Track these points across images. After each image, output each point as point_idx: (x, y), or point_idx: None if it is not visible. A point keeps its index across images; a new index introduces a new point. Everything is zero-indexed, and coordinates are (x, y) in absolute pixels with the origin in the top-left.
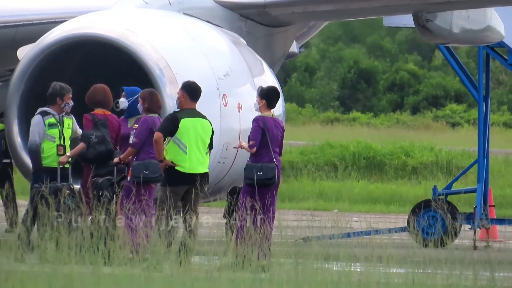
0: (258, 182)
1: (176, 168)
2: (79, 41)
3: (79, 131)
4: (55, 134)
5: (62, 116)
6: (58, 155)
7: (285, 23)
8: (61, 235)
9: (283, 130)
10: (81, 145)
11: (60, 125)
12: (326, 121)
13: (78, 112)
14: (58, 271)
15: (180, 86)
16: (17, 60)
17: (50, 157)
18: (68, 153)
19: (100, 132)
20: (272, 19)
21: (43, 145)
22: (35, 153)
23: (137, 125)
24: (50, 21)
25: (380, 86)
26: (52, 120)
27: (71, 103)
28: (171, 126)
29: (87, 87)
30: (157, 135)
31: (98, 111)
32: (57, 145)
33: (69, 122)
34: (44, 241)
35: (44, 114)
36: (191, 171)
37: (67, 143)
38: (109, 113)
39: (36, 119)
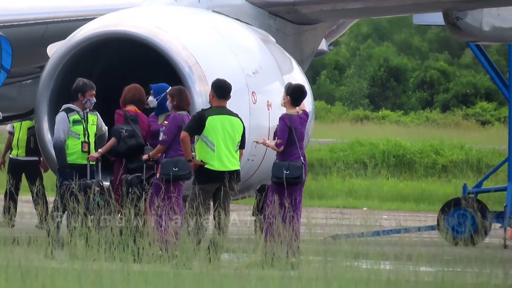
0: (285, 181)
1: (206, 166)
2: (108, 38)
3: (105, 128)
4: (80, 131)
5: (87, 113)
6: (83, 152)
7: (314, 21)
8: (90, 232)
9: (307, 120)
10: (112, 140)
11: (84, 122)
12: (356, 119)
13: (106, 109)
14: (88, 267)
15: (209, 83)
16: (47, 57)
17: (75, 153)
18: (100, 150)
19: (130, 126)
20: (301, 17)
21: (68, 142)
22: (59, 150)
23: (166, 122)
24: (79, 19)
25: (410, 84)
26: (76, 116)
27: (93, 100)
28: (196, 125)
29: (116, 84)
30: (183, 134)
31: (131, 108)
32: (82, 142)
33: (94, 119)
34: (74, 237)
35: (69, 111)
36: (220, 169)
37: (92, 139)
38: (140, 111)
39: (61, 116)
